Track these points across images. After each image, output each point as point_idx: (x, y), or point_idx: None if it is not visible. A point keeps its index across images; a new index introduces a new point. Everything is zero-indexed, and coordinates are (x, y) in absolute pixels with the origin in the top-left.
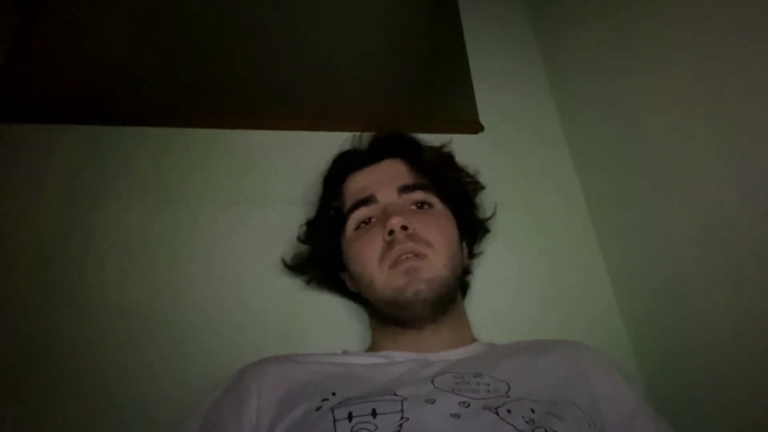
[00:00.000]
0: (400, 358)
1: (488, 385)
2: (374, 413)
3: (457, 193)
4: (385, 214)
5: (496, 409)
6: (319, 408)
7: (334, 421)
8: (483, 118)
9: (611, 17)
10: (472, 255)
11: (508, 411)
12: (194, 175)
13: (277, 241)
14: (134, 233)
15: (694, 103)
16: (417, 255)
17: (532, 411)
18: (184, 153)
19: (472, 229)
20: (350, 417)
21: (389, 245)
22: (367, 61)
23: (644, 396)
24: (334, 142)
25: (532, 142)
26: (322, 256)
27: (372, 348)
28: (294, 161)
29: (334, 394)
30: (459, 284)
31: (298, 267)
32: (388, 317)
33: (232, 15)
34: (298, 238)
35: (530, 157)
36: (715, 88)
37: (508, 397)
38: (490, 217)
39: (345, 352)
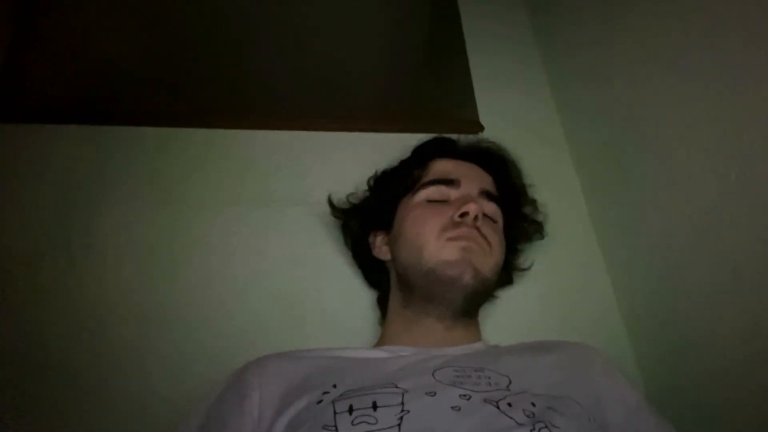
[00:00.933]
0: (402, 352)
1: (489, 378)
2: (375, 406)
3: (518, 229)
4: (464, 199)
5: (496, 402)
6: (320, 401)
7: (335, 413)
8: (483, 118)
9: (611, 17)
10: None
11: (509, 404)
12: (194, 175)
13: (277, 241)
14: (134, 233)
15: (694, 103)
16: (478, 244)
17: (533, 405)
18: (184, 153)
19: (503, 269)
20: (351, 410)
21: (456, 224)
22: (367, 61)
23: (644, 395)
24: (334, 142)
25: (532, 142)
26: (376, 206)
27: (379, 344)
28: (294, 161)
29: (334, 386)
30: (486, 298)
31: (343, 209)
32: (417, 292)
33: (232, 15)
34: (368, 182)
35: (530, 157)
36: (714, 88)
37: (509, 390)
38: (524, 269)
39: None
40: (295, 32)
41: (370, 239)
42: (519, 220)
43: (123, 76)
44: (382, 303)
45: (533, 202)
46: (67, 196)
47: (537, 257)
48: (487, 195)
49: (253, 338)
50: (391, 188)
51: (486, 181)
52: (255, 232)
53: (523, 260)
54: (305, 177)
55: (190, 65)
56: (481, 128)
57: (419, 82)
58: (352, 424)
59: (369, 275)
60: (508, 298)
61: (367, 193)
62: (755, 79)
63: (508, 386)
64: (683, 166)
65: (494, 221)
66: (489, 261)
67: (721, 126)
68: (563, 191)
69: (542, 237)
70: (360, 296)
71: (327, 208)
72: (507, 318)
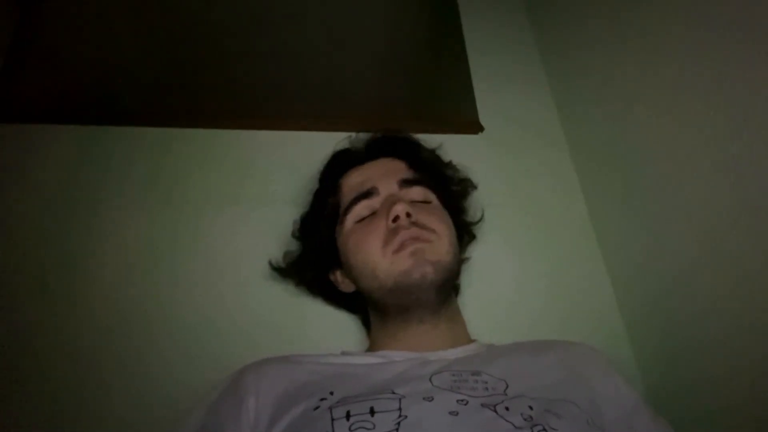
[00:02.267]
0: (398, 357)
1: (486, 383)
2: (372, 411)
3: (451, 193)
4: (389, 202)
5: (494, 406)
6: (317, 407)
7: (332, 420)
8: (483, 118)
9: (611, 17)
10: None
11: (507, 408)
12: (194, 175)
13: (277, 241)
14: (134, 233)
15: (694, 102)
16: (422, 240)
17: (530, 408)
18: (184, 153)
19: (460, 232)
20: (348, 416)
21: (393, 231)
22: (367, 61)
23: (644, 396)
24: (334, 142)
25: (532, 142)
26: (315, 253)
27: (371, 349)
28: (294, 161)
29: (332, 393)
30: (456, 278)
31: (287, 268)
32: (391, 308)
33: (232, 15)
34: (293, 234)
35: (530, 157)
36: (715, 87)
37: (506, 395)
38: (477, 222)
39: (344, 353)
40: (295, 32)
41: (331, 278)
42: (448, 184)
43: (123, 76)
44: (367, 324)
45: (449, 163)
46: (67, 196)
47: (537, 257)
48: (407, 182)
49: (253, 338)
50: (320, 227)
51: (400, 170)
52: (255, 232)
53: (472, 214)
54: (305, 177)
55: (190, 65)
56: (481, 128)
57: (419, 83)
58: (350, 429)
59: (349, 306)
60: (508, 297)
61: (301, 243)
62: (755, 79)
63: (505, 390)
64: (683, 166)
65: (427, 202)
66: (441, 247)
67: (721, 126)
68: (563, 191)
69: (475, 187)
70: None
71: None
72: (507, 318)
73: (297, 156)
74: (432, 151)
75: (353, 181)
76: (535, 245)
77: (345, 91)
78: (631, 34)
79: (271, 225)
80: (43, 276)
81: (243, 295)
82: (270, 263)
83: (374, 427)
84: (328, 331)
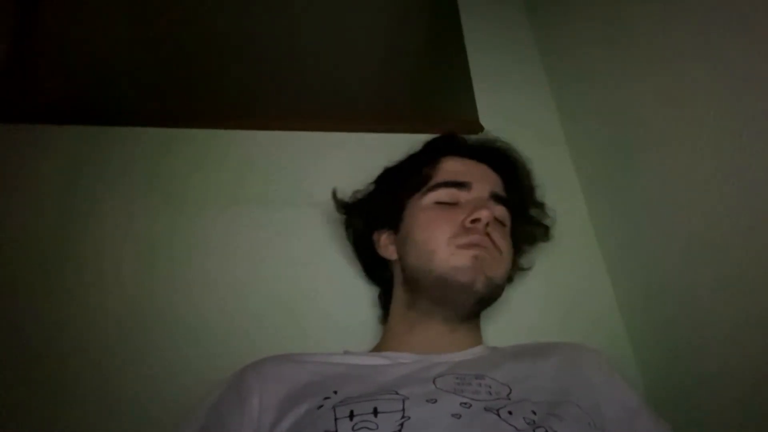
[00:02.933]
0: (402, 359)
1: (490, 387)
2: (375, 412)
3: (524, 232)
4: (477, 204)
5: (497, 410)
6: (320, 406)
7: (336, 419)
8: (483, 118)
9: (611, 17)
10: None
11: (509, 412)
12: (194, 176)
13: (277, 241)
14: (134, 233)
15: (693, 102)
16: (489, 251)
17: (533, 413)
18: (184, 153)
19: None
20: (351, 415)
21: (467, 230)
22: (367, 61)
23: (644, 396)
24: (334, 142)
25: (532, 142)
26: (381, 204)
27: (378, 347)
28: (294, 161)
29: (335, 392)
30: (491, 303)
31: (348, 204)
32: (426, 294)
33: (232, 15)
34: (375, 180)
35: (530, 157)
36: (714, 87)
37: (509, 399)
38: (525, 269)
39: (346, 353)
40: (295, 32)
41: (375, 236)
42: (526, 222)
43: (123, 77)
44: (384, 300)
45: (541, 205)
46: (67, 196)
47: (537, 258)
48: (496, 198)
49: (253, 338)
50: (399, 186)
51: (496, 183)
52: (255, 232)
53: (526, 260)
54: (305, 177)
55: (191, 65)
56: (481, 128)
57: (419, 82)
58: (353, 429)
59: (371, 272)
60: (508, 298)
61: (373, 189)
62: (755, 79)
63: (508, 395)
64: (683, 166)
65: (503, 224)
66: (500, 268)
67: (721, 126)
68: (563, 191)
69: (547, 239)
70: (359, 297)
71: (327, 208)
72: (507, 318)
73: (297, 156)
74: (532, 185)
75: (453, 167)
76: (535, 245)
77: (345, 91)
78: (632, 33)
79: (271, 225)
80: (43, 276)
81: (243, 296)
82: (333, 192)
83: (377, 428)
84: (328, 331)
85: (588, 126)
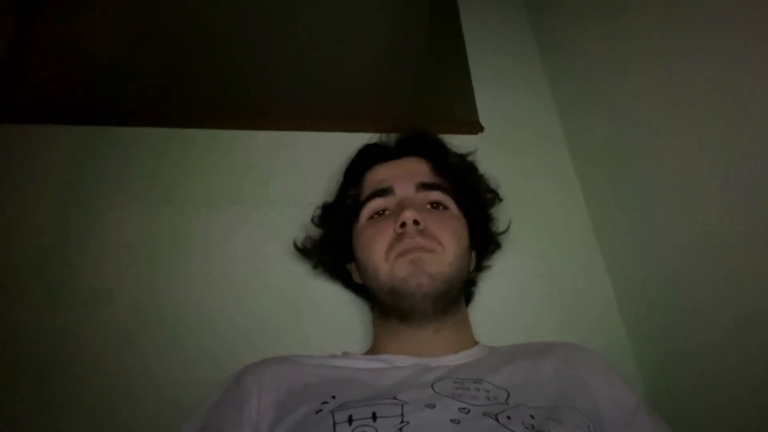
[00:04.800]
0: (400, 362)
1: (488, 392)
2: (374, 417)
3: (473, 201)
4: (399, 207)
5: (495, 415)
6: (319, 411)
7: (334, 424)
8: (483, 119)
9: (611, 17)
10: (479, 267)
11: (508, 417)
12: (194, 175)
13: (277, 241)
14: (134, 233)
15: (693, 102)
16: (425, 250)
17: (532, 417)
18: (184, 153)
19: (483, 240)
20: (350, 420)
21: (399, 237)
22: (367, 61)
23: (643, 396)
24: (334, 142)
25: (532, 142)
26: (332, 242)
27: (373, 349)
28: (294, 161)
29: (334, 397)
30: (463, 288)
31: (307, 250)
32: (390, 310)
33: (233, 15)
34: (312, 220)
35: (530, 157)
36: (714, 87)
37: (508, 404)
38: (503, 232)
39: (345, 354)
40: (295, 32)
41: (348, 267)
42: (471, 192)
43: (123, 77)
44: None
45: (476, 170)
46: (67, 196)
47: (537, 257)
48: (425, 186)
49: (253, 338)
50: (338, 218)
51: (422, 172)
52: (255, 232)
53: (498, 224)
54: (305, 177)
55: (191, 66)
56: (481, 128)
57: (419, 82)
58: None
59: (362, 296)
60: (508, 298)
61: (322, 229)
62: (755, 78)
63: (506, 399)
64: (683, 166)
65: (445, 207)
66: (443, 259)
67: (721, 126)
68: (563, 191)
69: (501, 200)
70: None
71: (308, 229)
72: (507, 318)
73: (297, 156)
74: (461, 156)
75: (374, 178)
76: (535, 245)
77: (345, 91)
78: (631, 34)
79: (270, 225)
80: (43, 276)
81: (242, 295)
82: (294, 243)
83: None
84: (328, 331)
85: (588, 126)
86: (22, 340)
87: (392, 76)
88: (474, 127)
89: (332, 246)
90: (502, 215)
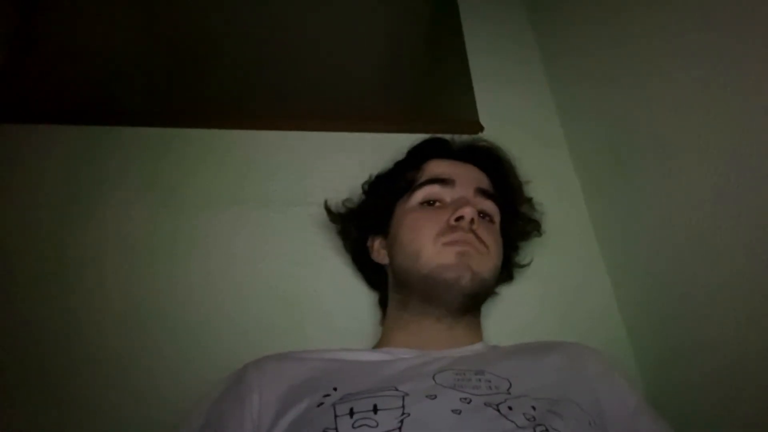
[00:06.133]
0: (402, 354)
1: (489, 382)
2: (375, 409)
3: (515, 227)
4: (459, 202)
5: (497, 405)
6: (320, 404)
7: (336, 416)
8: (483, 118)
9: (611, 17)
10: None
11: (509, 408)
12: (194, 176)
13: (277, 241)
14: (134, 233)
15: (693, 102)
16: (474, 248)
17: (533, 408)
18: (184, 153)
19: (503, 267)
20: (351, 413)
21: (451, 228)
22: (367, 61)
23: (644, 396)
24: (334, 142)
25: (532, 142)
26: (372, 212)
27: (377, 345)
28: (294, 161)
29: (335, 389)
30: (486, 298)
31: (338, 214)
32: (416, 295)
33: (232, 15)
34: (363, 186)
35: (530, 157)
36: (714, 88)
37: (509, 394)
38: (523, 265)
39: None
40: (296, 32)
41: (369, 243)
42: (516, 217)
43: (123, 77)
44: (383, 304)
45: (530, 200)
46: (67, 197)
47: (537, 257)
48: (483, 193)
49: (253, 338)
50: (387, 192)
51: (482, 180)
52: (255, 232)
53: (522, 257)
54: (305, 177)
55: (191, 65)
56: (481, 128)
57: (419, 82)
58: (353, 426)
59: (369, 278)
60: (508, 298)
61: (363, 198)
62: (755, 79)
63: (508, 390)
64: (683, 166)
65: (491, 220)
66: (487, 263)
67: (721, 126)
68: (563, 191)
69: (540, 234)
70: (359, 296)
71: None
72: (507, 318)
73: (297, 156)
74: (519, 182)
75: (438, 167)
76: (535, 244)
77: (345, 91)
78: (631, 34)
79: (270, 225)
80: (43, 276)
81: (243, 296)
82: (325, 202)
83: (377, 425)
84: (328, 331)
85: (588, 126)
86: (22, 340)
87: (392, 76)
88: (474, 127)
89: (369, 215)
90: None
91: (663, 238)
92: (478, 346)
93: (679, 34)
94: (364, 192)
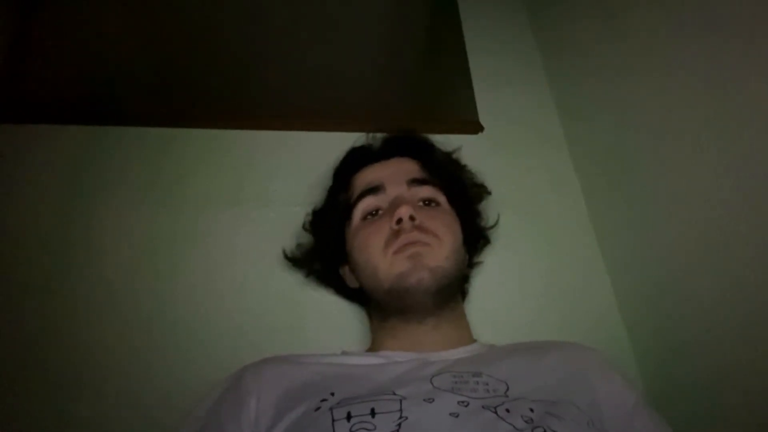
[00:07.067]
0: (399, 358)
1: (487, 384)
2: (373, 413)
3: (463, 196)
4: (394, 204)
5: (495, 408)
6: (317, 408)
7: (333, 421)
8: (483, 118)
9: (611, 17)
10: (471, 264)
11: (507, 410)
12: (194, 175)
13: (277, 241)
14: (134, 233)
15: (693, 102)
16: (423, 244)
17: (531, 410)
18: (184, 153)
19: (473, 236)
20: (349, 417)
21: (396, 234)
22: (367, 61)
23: (644, 395)
24: (334, 142)
25: (532, 142)
26: (325, 247)
27: (372, 348)
28: (294, 161)
29: (332, 394)
30: (459, 283)
31: (298, 259)
32: (390, 308)
33: (232, 15)
34: (303, 227)
35: (530, 157)
36: (714, 88)
37: (507, 396)
38: (492, 227)
39: (344, 353)
40: (295, 32)
41: (341, 272)
42: (460, 187)
43: (123, 77)
44: (371, 317)
45: (464, 167)
46: (67, 196)
47: (537, 257)
48: (416, 182)
49: (253, 338)
50: (330, 222)
51: (411, 169)
52: (255, 232)
53: (487, 219)
54: (305, 177)
55: (191, 65)
56: (481, 128)
57: (419, 82)
58: (351, 430)
59: (356, 300)
60: (508, 298)
61: (313, 236)
62: (755, 79)
63: (506, 392)
64: (683, 166)
65: (436, 203)
66: (441, 252)
67: (721, 126)
68: (563, 191)
69: (489, 193)
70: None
71: (298, 236)
72: (507, 318)
73: (297, 156)
74: (447, 154)
75: (363, 179)
76: (535, 245)
77: (345, 91)
78: (631, 34)
79: (270, 225)
80: (43, 276)
81: (243, 296)
82: (284, 252)
83: (375, 428)
84: (328, 331)
85: (588, 126)
86: (22, 340)
87: (392, 76)
88: (474, 127)
89: (325, 250)
90: (502, 213)
91: (663, 238)
92: (474, 347)
93: (679, 34)
94: (307, 231)
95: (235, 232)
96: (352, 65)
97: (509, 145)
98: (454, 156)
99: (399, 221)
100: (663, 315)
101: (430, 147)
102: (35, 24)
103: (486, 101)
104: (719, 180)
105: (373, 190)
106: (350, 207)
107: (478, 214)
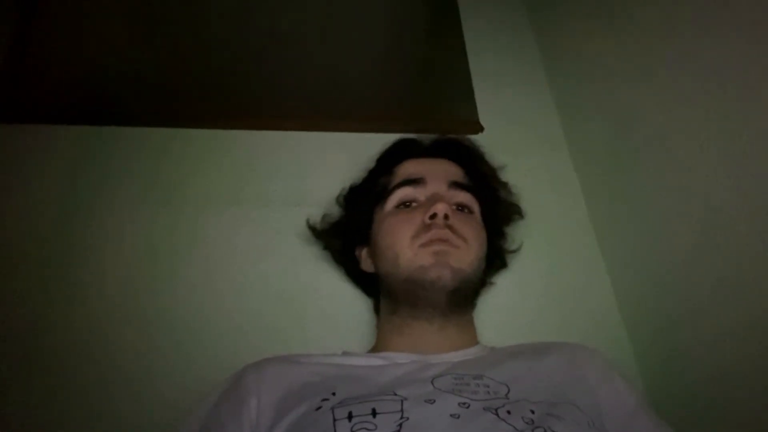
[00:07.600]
0: (400, 359)
1: (488, 386)
2: (374, 413)
3: (496, 213)
4: (431, 200)
5: (496, 410)
6: (319, 408)
7: (334, 420)
8: (483, 118)
9: (611, 18)
10: (483, 282)
11: (508, 412)
12: (194, 176)
13: (277, 242)
14: (134, 233)
15: (693, 103)
16: (451, 244)
17: (532, 412)
18: (184, 153)
19: (493, 254)
20: (350, 416)
21: (427, 228)
22: (367, 61)
23: (644, 396)
24: (334, 143)
25: (532, 142)
26: (351, 224)
27: (374, 348)
28: (294, 161)
29: (334, 393)
30: (474, 292)
31: (320, 231)
32: (401, 299)
33: (232, 15)
34: (336, 200)
35: (530, 157)
36: (713, 88)
37: (508, 398)
38: (513, 251)
39: (345, 353)
40: (295, 32)
41: (357, 253)
42: (496, 204)
43: (123, 77)
44: (378, 311)
45: (506, 185)
46: (67, 197)
47: (537, 257)
48: (457, 185)
49: (253, 338)
50: (362, 201)
51: (454, 173)
52: (255, 232)
53: (510, 242)
54: (305, 177)
55: (191, 66)
56: (481, 128)
57: (419, 82)
58: (352, 430)
59: (365, 287)
60: (508, 298)
61: (342, 210)
62: (756, 78)
63: (506, 394)
64: (683, 166)
65: (470, 211)
66: (466, 257)
67: (721, 126)
68: (563, 191)
69: (522, 217)
70: (359, 296)
71: (327, 209)
72: (507, 318)
73: (297, 156)
74: (493, 168)
75: (408, 168)
76: (535, 245)
77: (345, 92)
78: (631, 34)
79: (270, 225)
80: (43, 276)
81: (243, 296)
82: (307, 221)
83: (376, 428)
84: (328, 331)
85: (588, 126)
86: (22, 339)
87: (392, 76)
88: (474, 127)
89: (350, 227)
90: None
91: (663, 238)
92: (476, 349)
93: (679, 33)
94: (340, 205)
95: (235, 232)
96: (352, 65)
97: (509, 145)
98: (499, 172)
99: (433, 216)
100: (663, 315)
101: (479, 157)
102: (35, 24)
103: (486, 101)
104: (719, 179)
105: (414, 181)
106: (388, 192)
107: (503, 235)
